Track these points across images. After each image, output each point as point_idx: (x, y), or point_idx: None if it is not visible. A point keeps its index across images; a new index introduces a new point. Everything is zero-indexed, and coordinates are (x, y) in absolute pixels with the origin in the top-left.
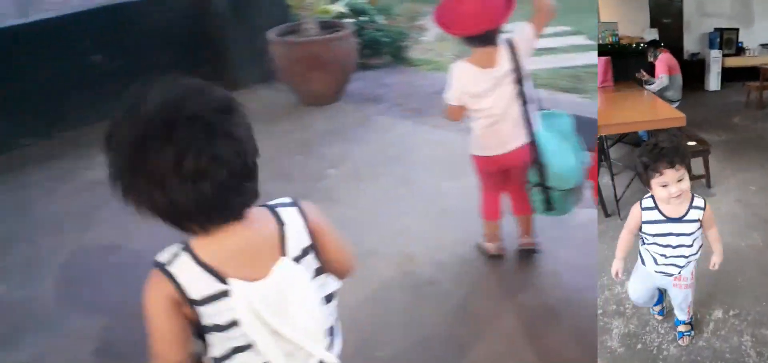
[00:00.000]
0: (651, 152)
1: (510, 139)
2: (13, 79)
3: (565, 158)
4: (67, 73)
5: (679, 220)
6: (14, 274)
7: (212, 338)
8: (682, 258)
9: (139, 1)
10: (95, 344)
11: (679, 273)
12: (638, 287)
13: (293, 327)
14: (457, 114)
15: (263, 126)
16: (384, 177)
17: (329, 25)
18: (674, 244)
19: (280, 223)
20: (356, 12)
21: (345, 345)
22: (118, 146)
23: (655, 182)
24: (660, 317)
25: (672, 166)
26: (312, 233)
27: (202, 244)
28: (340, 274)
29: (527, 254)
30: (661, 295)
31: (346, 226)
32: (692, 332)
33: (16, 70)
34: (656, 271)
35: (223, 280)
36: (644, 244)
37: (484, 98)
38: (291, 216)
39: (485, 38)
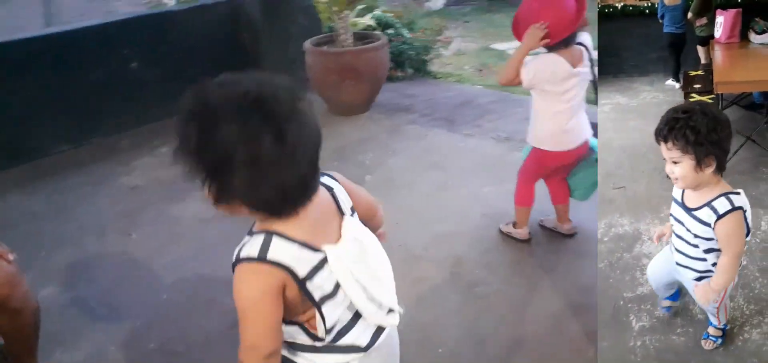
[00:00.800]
0: (664, 115)
1: (580, 133)
2: (49, 86)
3: None
4: (103, 81)
5: (690, 211)
6: (62, 276)
7: (325, 310)
8: (692, 260)
9: (176, 10)
10: (145, 344)
11: (695, 277)
12: (655, 264)
13: (378, 280)
14: (512, 84)
15: None
16: (422, 183)
17: (363, 36)
18: (684, 237)
19: (328, 188)
20: (383, 25)
21: (407, 343)
22: (213, 143)
23: None
24: (665, 313)
25: (664, 141)
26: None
27: (285, 225)
28: (374, 228)
29: (571, 238)
30: (678, 291)
31: (390, 230)
32: (720, 341)
33: (53, 76)
34: (675, 260)
35: (316, 250)
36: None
37: (569, 92)
38: (331, 181)
39: (569, 39)
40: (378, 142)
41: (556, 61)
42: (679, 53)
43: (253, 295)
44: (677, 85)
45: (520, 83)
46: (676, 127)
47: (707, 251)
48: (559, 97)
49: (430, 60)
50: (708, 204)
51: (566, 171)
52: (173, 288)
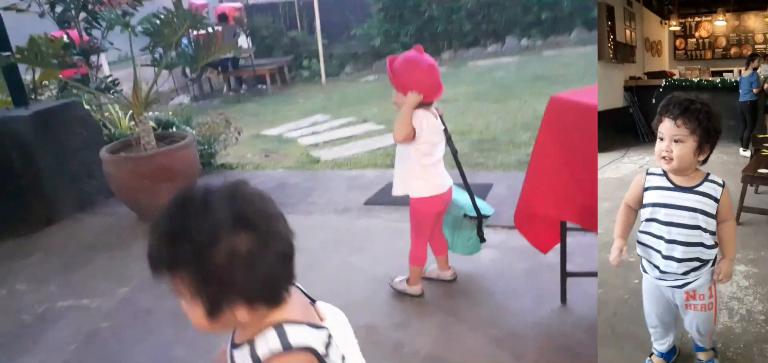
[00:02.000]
0: (667, 98)
1: (446, 178)
2: None
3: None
4: None
5: (690, 189)
6: None
7: None
8: (691, 247)
9: None
10: None
11: (690, 284)
12: (647, 305)
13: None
14: (408, 140)
15: (119, 251)
16: None
17: (164, 136)
18: (680, 222)
19: None
20: (164, 124)
21: None
22: (204, 260)
23: (658, 130)
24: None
25: (673, 118)
26: None
27: (282, 313)
28: None
29: (454, 282)
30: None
31: None
32: (715, 361)
33: None
34: (659, 278)
35: (320, 327)
36: (642, 232)
37: (438, 144)
38: None
39: (431, 102)
40: None
41: (429, 116)
42: (747, 118)
43: None
44: (742, 151)
45: (414, 137)
46: (691, 108)
47: (712, 233)
48: (434, 148)
49: (217, 153)
50: (706, 180)
51: (440, 219)
52: None
